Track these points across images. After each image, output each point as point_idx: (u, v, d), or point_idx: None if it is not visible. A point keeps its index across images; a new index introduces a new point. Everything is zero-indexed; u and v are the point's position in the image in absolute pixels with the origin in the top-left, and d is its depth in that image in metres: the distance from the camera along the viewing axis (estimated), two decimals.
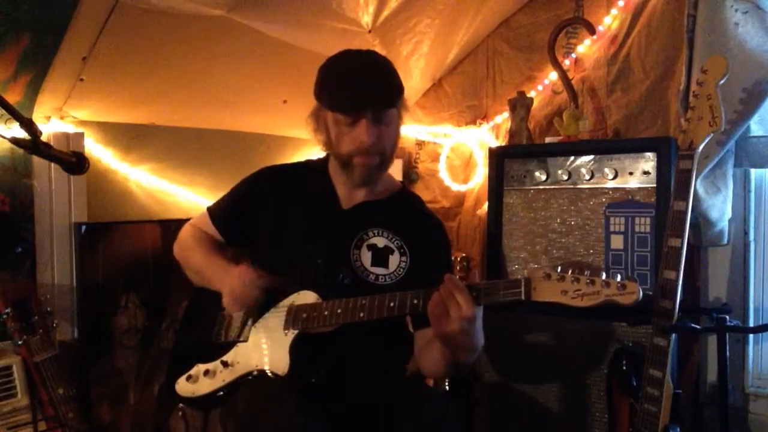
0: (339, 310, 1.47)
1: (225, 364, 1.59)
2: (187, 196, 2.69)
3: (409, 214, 1.74)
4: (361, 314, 1.44)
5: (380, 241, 1.66)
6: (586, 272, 1.25)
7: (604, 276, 1.23)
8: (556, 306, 1.26)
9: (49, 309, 2.06)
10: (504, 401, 2.33)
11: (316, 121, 1.67)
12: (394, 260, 1.65)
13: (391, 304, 1.41)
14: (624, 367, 1.91)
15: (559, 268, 1.28)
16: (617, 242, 2.20)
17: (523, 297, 1.28)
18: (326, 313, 1.49)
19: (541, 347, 2.22)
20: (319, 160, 1.82)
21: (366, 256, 1.64)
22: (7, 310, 1.97)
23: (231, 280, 1.60)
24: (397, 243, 1.66)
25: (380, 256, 1.65)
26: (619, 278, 1.22)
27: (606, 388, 1.99)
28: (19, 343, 1.99)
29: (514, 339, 2.29)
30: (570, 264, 2.24)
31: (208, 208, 1.85)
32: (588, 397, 2.14)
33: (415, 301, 1.39)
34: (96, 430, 2.30)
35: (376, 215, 1.69)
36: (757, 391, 2.31)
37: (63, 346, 2.20)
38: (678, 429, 1.76)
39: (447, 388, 2.61)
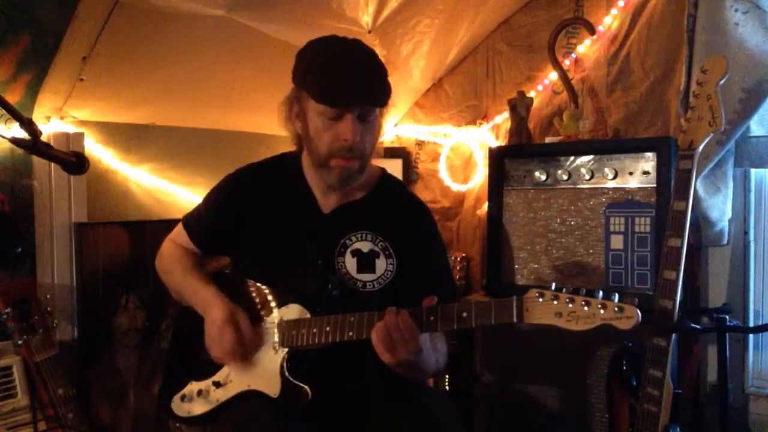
0: (328, 328, 1.43)
1: (217, 384, 1.55)
2: (187, 196, 2.69)
3: (390, 209, 1.65)
4: (350, 333, 1.39)
5: (365, 246, 1.58)
6: (581, 290, 1.21)
7: (601, 295, 1.19)
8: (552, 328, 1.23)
9: (49, 309, 2.06)
10: (504, 401, 2.33)
11: (290, 109, 1.56)
12: (380, 264, 1.57)
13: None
14: (624, 367, 1.91)
15: (553, 285, 1.24)
16: (617, 242, 2.20)
17: (515, 319, 1.25)
18: (315, 330, 1.44)
19: (541, 347, 2.22)
20: (293, 153, 1.69)
21: (351, 263, 1.56)
22: (7, 310, 1.97)
23: (208, 325, 1.54)
24: (382, 245, 1.58)
25: (366, 262, 1.57)
26: (616, 299, 1.18)
27: (606, 388, 1.99)
28: (19, 343, 1.98)
29: (513, 339, 2.29)
30: (569, 264, 2.28)
31: (183, 222, 1.76)
32: (588, 397, 2.14)
33: None
34: (96, 430, 2.30)
35: (357, 217, 1.61)
36: (757, 391, 2.31)
37: (63, 346, 2.20)
38: (678, 429, 1.76)
39: (447, 387, 2.62)
